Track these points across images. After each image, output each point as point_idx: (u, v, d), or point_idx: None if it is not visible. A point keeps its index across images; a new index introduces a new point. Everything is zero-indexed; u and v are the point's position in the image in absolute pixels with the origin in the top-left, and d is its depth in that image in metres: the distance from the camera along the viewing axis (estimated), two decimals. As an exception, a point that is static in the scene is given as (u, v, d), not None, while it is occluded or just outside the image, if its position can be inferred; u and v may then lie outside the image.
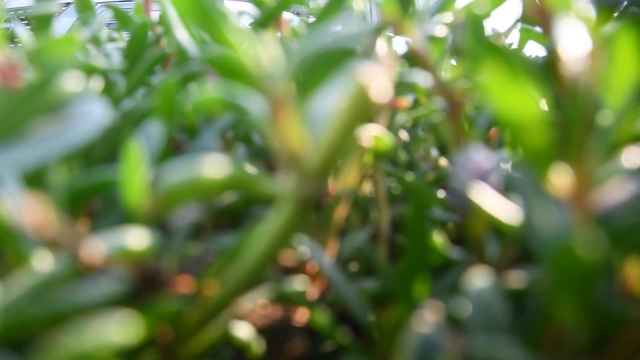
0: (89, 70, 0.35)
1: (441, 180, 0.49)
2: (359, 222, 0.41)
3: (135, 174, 0.23)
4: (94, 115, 0.25)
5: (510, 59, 0.20)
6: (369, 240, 0.39)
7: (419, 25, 0.29)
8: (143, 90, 0.40)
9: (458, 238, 0.39)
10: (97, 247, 0.21)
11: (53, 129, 0.24)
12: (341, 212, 0.35)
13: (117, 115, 0.36)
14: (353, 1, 0.33)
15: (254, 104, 0.22)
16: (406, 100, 0.39)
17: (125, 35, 0.68)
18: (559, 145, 0.24)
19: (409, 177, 0.45)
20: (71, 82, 0.25)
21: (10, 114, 0.23)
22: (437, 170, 0.51)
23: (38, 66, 0.33)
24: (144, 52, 0.46)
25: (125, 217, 0.27)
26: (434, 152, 0.56)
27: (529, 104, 0.21)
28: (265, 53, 0.21)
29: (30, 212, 0.17)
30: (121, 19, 0.57)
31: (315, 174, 0.23)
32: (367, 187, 0.42)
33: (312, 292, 0.33)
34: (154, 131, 0.30)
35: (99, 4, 3.44)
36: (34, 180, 0.25)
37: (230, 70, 0.22)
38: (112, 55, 0.48)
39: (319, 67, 0.21)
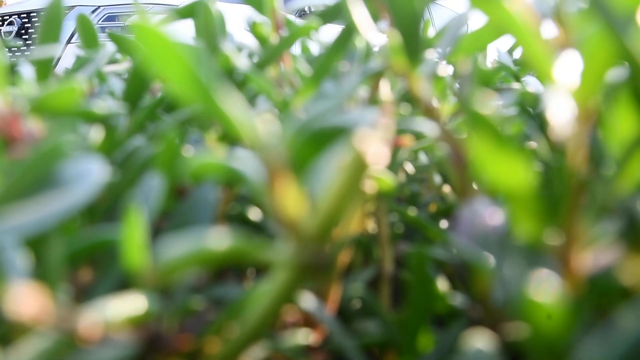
0: (90, 117, 0.35)
1: (445, 211, 0.49)
2: (362, 261, 0.41)
3: (135, 240, 0.23)
4: (92, 175, 0.25)
5: (499, 133, 0.20)
6: (372, 280, 0.39)
7: (426, 75, 0.29)
8: (147, 128, 0.40)
9: (462, 279, 0.38)
10: (95, 321, 0.21)
11: (52, 194, 0.24)
12: (344, 257, 0.35)
13: (119, 162, 0.36)
14: (358, 40, 0.32)
15: (252, 172, 0.22)
16: (409, 139, 0.39)
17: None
18: (550, 208, 0.24)
19: (412, 212, 0.45)
20: (70, 143, 0.24)
21: (11, 187, 0.23)
22: (441, 200, 0.51)
23: (40, 116, 0.33)
24: (145, 88, 0.46)
25: (126, 276, 0.27)
26: (437, 178, 0.56)
27: (517, 175, 0.21)
28: (261, 124, 0.21)
29: (28, 303, 0.17)
30: (123, 47, 0.57)
31: (314, 240, 0.23)
32: (369, 225, 0.42)
33: (314, 340, 0.33)
34: (155, 184, 0.30)
35: (102, 7, 3.43)
36: (35, 244, 0.25)
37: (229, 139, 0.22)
38: (115, 87, 0.48)
39: (317, 138, 0.21)
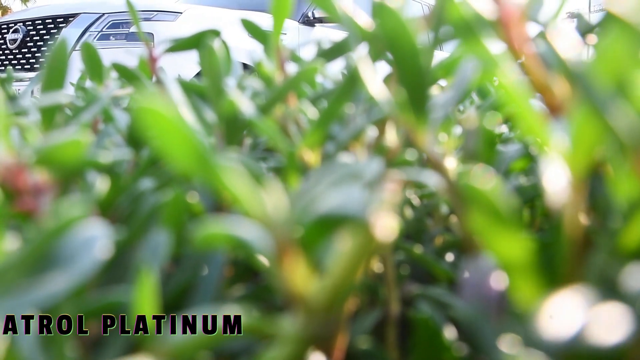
0: (96, 167, 0.35)
1: (452, 244, 0.49)
2: (368, 302, 0.41)
3: (146, 306, 0.23)
4: (97, 242, 0.25)
5: (496, 206, 0.20)
6: (379, 321, 0.39)
7: (433, 131, 0.29)
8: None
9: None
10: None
11: (58, 267, 0.24)
12: (350, 305, 0.35)
13: (125, 208, 0.36)
14: (366, 87, 0.32)
15: (260, 244, 0.22)
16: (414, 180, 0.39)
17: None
18: (548, 276, 0.24)
19: (418, 248, 0.44)
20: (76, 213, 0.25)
21: (19, 263, 0.23)
22: (448, 231, 0.51)
23: (46, 167, 0.33)
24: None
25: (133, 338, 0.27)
26: (444, 207, 0.56)
27: (514, 248, 0.21)
28: (270, 200, 0.21)
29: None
30: (127, 77, 0.57)
31: (322, 312, 0.23)
32: (375, 265, 0.42)
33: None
34: (161, 240, 0.30)
35: (107, 14, 3.43)
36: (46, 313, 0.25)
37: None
38: (121, 122, 0.48)
39: (325, 220, 0.21)
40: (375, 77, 0.32)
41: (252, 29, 0.50)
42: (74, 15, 3.78)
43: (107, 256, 0.26)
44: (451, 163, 0.30)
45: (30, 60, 3.88)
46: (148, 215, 0.33)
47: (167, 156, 0.20)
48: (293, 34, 4.16)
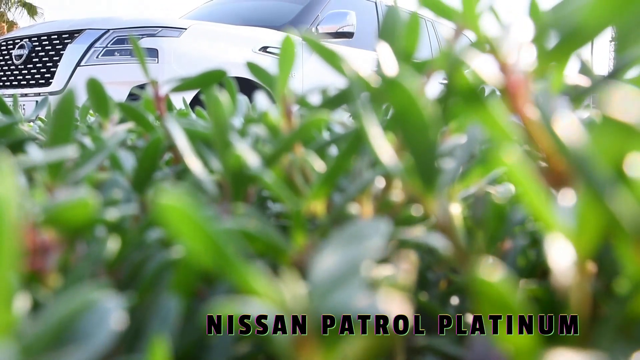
0: (105, 224, 0.35)
1: (457, 289, 0.49)
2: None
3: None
4: (112, 315, 0.25)
5: (501, 292, 0.20)
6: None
7: (442, 199, 0.29)
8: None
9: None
10: None
11: (71, 345, 0.24)
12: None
13: (132, 266, 0.36)
14: (374, 150, 0.32)
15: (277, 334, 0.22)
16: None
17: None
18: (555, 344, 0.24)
19: (423, 295, 0.44)
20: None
21: (33, 342, 0.23)
22: (453, 272, 0.51)
23: (54, 228, 0.33)
24: (156, 166, 0.46)
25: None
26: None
27: (520, 338, 0.21)
28: (288, 292, 0.21)
29: None
30: (133, 117, 0.57)
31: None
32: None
33: None
34: (172, 306, 0.30)
35: (112, 30, 3.44)
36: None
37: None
38: (126, 164, 0.48)
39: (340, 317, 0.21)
40: (381, 137, 0.32)
41: (258, 73, 0.51)
42: (79, 31, 3.80)
43: (122, 328, 0.26)
44: (459, 228, 0.30)
45: (36, 76, 3.91)
46: (155, 275, 0.33)
47: (189, 252, 0.21)
48: (297, 50, 4.17)
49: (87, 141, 0.55)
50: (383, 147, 0.30)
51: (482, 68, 0.28)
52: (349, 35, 4.28)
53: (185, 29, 3.75)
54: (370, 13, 4.98)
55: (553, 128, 0.23)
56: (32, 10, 23.95)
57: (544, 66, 0.28)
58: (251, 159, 0.37)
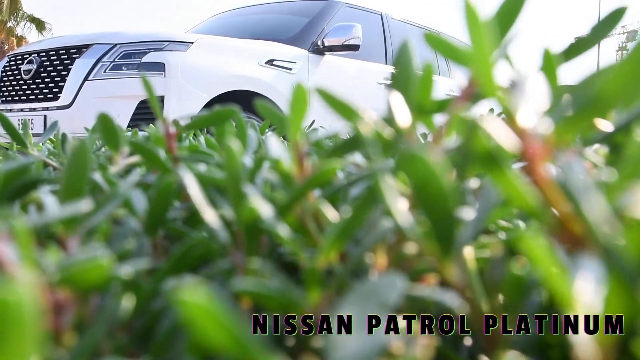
0: (119, 281, 0.35)
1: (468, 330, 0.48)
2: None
3: None
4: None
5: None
6: None
7: (458, 262, 0.29)
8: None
9: None
10: None
11: None
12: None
13: (145, 322, 0.36)
14: (384, 194, 0.32)
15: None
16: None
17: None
18: None
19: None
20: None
21: None
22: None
23: (68, 286, 0.33)
24: (168, 208, 0.46)
25: None
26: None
27: None
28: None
29: None
30: (144, 155, 0.57)
31: None
32: None
33: None
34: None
35: (119, 45, 3.46)
36: None
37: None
38: (138, 207, 0.48)
39: None
40: (397, 196, 0.32)
41: (268, 113, 0.51)
42: (87, 46, 3.83)
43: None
44: (477, 291, 0.29)
45: (44, 91, 3.93)
46: (170, 333, 0.33)
47: (212, 348, 0.20)
48: (303, 63, 4.18)
49: (98, 177, 0.55)
50: (399, 209, 0.30)
51: (499, 134, 0.28)
52: (355, 47, 4.28)
53: (192, 42, 3.76)
54: (376, 25, 4.98)
55: (585, 214, 0.23)
56: (40, 26, 24.20)
57: (562, 133, 0.27)
58: (264, 210, 0.37)
